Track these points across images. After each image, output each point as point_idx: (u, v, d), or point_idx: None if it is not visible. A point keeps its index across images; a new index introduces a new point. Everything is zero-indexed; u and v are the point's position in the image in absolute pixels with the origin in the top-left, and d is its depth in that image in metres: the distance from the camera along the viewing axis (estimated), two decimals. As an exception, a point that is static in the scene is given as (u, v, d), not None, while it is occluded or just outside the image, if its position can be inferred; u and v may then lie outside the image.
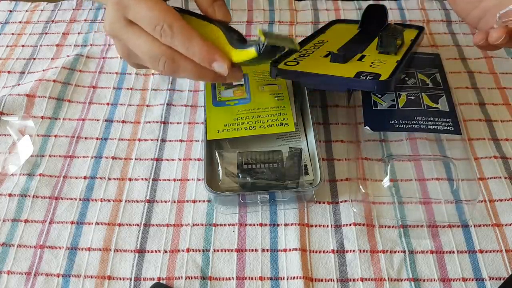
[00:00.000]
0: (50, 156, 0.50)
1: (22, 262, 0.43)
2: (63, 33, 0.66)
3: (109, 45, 0.63)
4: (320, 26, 0.63)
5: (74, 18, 0.68)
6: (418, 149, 0.50)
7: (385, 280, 0.41)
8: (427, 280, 0.41)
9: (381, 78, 0.45)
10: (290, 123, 0.48)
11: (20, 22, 0.68)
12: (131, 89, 0.58)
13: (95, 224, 0.45)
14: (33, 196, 0.47)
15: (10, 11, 0.70)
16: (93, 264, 0.42)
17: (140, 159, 0.50)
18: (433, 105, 0.48)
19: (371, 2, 0.64)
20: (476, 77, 0.58)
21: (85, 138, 0.52)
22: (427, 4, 0.70)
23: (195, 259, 0.43)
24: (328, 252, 0.43)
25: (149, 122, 0.54)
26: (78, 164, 0.50)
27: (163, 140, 0.52)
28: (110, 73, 0.60)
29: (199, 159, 0.50)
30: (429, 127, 0.46)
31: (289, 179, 0.44)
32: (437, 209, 0.45)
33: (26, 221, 0.45)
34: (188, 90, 0.57)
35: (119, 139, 0.52)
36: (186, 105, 0.56)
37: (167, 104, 0.56)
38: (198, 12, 0.45)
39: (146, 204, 0.47)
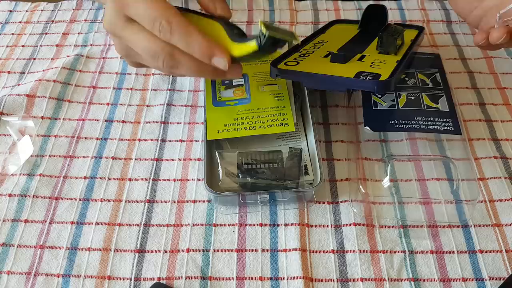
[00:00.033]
0: (50, 156, 0.50)
1: (22, 262, 0.43)
2: (63, 33, 0.66)
3: (109, 45, 0.63)
4: (320, 26, 0.63)
5: (74, 18, 0.68)
6: (418, 149, 0.50)
7: (385, 280, 0.41)
8: (427, 280, 0.41)
9: (381, 78, 0.45)
10: (290, 123, 0.48)
11: (20, 22, 0.68)
12: (131, 89, 0.58)
13: (95, 224, 0.45)
14: (33, 196, 0.47)
15: (10, 11, 0.70)
16: (93, 264, 0.42)
17: (140, 159, 0.50)
18: (433, 105, 0.48)
19: (371, 2, 0.64)
20: (476, 77, 0.58)
21: (85, 138, 0.52)
22: (427, 4, 0.70)
23: (195, 259, 0.43)
24: (328, 252, 0.43)
25: (149, 122, 0.54)
26: (78, 164, 0.50)
27: (163, 140, 0.52)
28: (110, 73, 0.60)
29: (199, 159, 0.50)
30: (429, 127, 0.46)
31: (289, 179, 0.44)
32: (437, 209, 0.45)
33: (26, 221, 0.45)
34: (188, 90, 0.57)
35: (119, 139, 0.52)
36: (186, 105, 0.56)
37: (167, 104, 0.56)
38: (198, 11, 0.45)
39: (146, 204, 0.47)
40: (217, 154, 0.47)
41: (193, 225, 0.45)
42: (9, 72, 0.60)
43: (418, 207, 0.46)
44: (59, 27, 0.67)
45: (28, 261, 0.43)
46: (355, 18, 0.67)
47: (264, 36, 0.37)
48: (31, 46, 0.64)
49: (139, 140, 0.52)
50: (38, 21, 0.68)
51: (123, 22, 0.41)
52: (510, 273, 0.41)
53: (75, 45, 0.64)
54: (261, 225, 0.45)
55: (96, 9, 0.70)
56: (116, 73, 0.60)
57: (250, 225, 0.45)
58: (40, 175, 0.49)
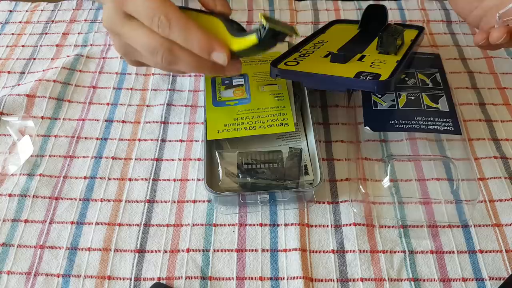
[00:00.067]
0: (50, 156, 0.50)
1: (22, 262, 0.43)
2: (63, 33, 0.66)
3: (109, 45, 0.63)
4: (320, 26, 0.63)
5: (74, 18, 0.68)
6: (418, 149, 0.50)
7: (385, 280, 0.41)
8: (427, 280, 0.41)
9: (381, 78, 0.45)
10: (290, 123, 0.48)
11: (20, 22, 0.68)
12: (131, 89, 0.58)
13: (95, 224, 0.45)
14: (33, 196, 0.47)
15: (10, 11, 0.70)
16: (93, 264, 0.42)
17: (140, 159, 0.50)
18: (433, 105, 0.48)
19: (371, 2, 0.64)
20: (476, 77, 0.58)
21: (85, 138, 0.52)
22: (427, 4, 0.70)
23: (195, 259, 0.43)
24: (328, 252, 0.43)
25: (149, 122, 0.54)
26: (78, 164, 0.50)
27: (163, 140, 0.52)
28: (110, 73, 0.60)
29: (199, 159, 0.50)
30: (429, 127, 0.46)
31: (289, 179, 0.44)
32: (437, 209, 0.45)
33: (26, 221, 0.45)
34: (188, 90, 0.57)
35: (119, 139, 0.52)
36: (186, 105, 0.56)
37: (167, 104, 0.56)
38: (198, 9, 0.45)
39: (146, 204, 0.47)
40: (217, 154, 0.47)
41: (193, 225, 0.45)
42: (9, 72, 0.60)
43: (418, 207, 0.46)
44: (59, 27, 0.67)
45: (28, 261, 0.43)
46: (355, 18, 0.67)
47: (265, 29, 0.37)
48: (31, 46, 0.64)
49: (139, 140, 0.52)
50: (38, 21, 0.68)
51: (122, 19, 0.41)
52: (510, 273, 0.41)
53: (75, 45, 0.64)
54: (261, 225, 0.45)
55: (96, 9, 0.70)
56: (116, 73, 0.60)
57: (250, 225, 0.45)
58: (40, 175, 0.49)
